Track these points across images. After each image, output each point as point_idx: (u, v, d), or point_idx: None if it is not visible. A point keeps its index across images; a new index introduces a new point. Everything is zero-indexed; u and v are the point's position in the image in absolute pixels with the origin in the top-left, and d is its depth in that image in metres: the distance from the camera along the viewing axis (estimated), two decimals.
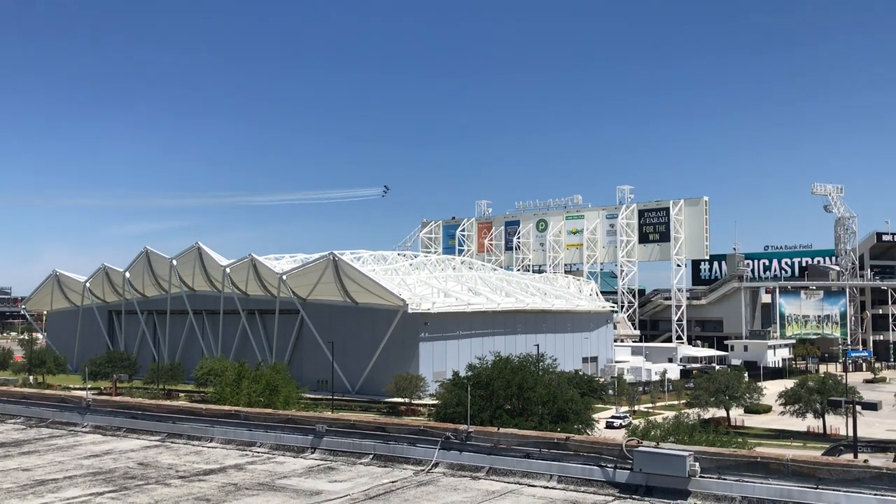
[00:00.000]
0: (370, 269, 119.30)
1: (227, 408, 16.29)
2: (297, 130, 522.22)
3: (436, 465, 11.81)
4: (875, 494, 10.73)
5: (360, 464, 12.22)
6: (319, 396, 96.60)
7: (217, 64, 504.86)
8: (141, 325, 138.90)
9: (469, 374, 69.29)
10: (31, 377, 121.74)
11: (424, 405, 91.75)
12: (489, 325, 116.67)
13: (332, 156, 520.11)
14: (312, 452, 12.92)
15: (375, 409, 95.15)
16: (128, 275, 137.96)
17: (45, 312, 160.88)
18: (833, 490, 10.57)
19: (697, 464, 10.19)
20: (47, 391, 21.54)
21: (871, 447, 67.65)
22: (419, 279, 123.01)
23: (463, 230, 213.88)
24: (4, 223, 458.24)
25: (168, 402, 19.14)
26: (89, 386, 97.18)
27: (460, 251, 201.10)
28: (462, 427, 12.33)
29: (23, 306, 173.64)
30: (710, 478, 10.19)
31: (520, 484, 10.94)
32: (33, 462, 12.27)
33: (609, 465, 10.79)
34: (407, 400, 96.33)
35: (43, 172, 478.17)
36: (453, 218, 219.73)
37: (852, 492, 10.60)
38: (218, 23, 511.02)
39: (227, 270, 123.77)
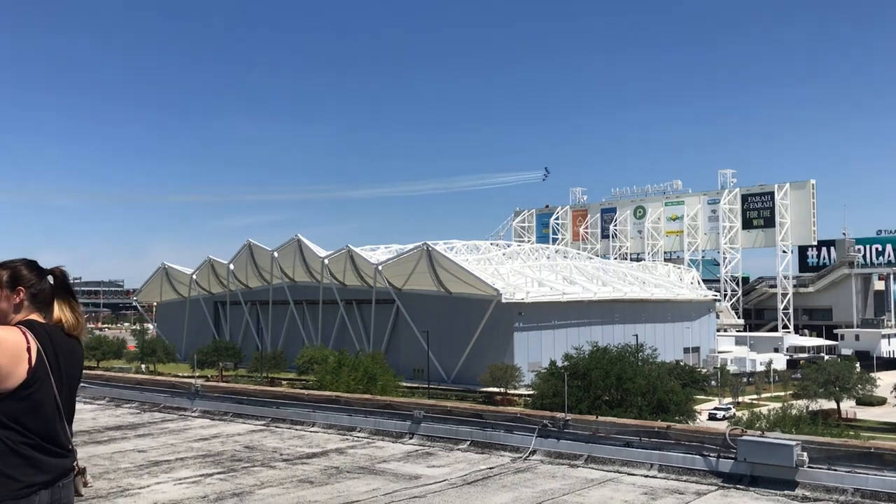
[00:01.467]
0: (463, 258, 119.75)
1: (327, 393, 16.69)
2: (392, 124, 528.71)
3: (533, 452, 11.76)
4: None
5: (458, 450, 12.29)
6: (415, 385, 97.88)
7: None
8: (245, 316, 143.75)
9: (565, 364, 68.83)
10: (143, 365, 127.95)
11: (520, 395, 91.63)
12: (585, 315, 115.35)
13: (426, 146, 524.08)
14: (410, 438, 13.07)
15: (471, 398, 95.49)
16: (232, 267, 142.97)
17: (154, 304, 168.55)
18: None
19: (805, 454, 9.76)
20: (159, 378, 22.60)
21: None
22: (513, 269, 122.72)
23: (557, 218, 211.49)
24: (118, 221, 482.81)
25: (272, 388, 19.77)
26: (197, 374, 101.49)
27: (554, 240, 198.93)
28: (559, 415, 12.23)
29: (134, 298, 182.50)
30: (819, 468, 9.75)
31: (619, 472, 10.77)
32: (148, 444, 12.87)
33: (712, 455, 10.49)
34: (502, 389, 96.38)
35: (152, 172, 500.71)
36: (547, 206, 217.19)
37: None
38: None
39: (326, 261, 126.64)
